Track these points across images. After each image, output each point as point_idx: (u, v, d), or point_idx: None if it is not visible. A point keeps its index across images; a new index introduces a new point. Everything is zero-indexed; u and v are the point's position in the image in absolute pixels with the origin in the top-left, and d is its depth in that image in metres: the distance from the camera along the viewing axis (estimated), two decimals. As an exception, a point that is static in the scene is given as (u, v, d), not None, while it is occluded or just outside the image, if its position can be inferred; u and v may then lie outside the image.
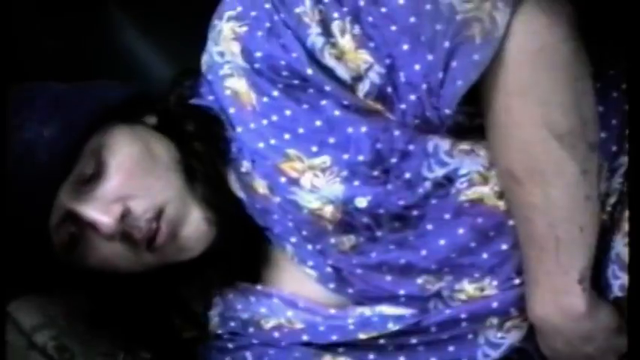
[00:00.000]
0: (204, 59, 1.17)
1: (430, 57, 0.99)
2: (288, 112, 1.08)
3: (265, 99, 1.09)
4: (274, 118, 1.09)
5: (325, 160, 1.07)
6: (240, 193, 1.15)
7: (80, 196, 1.08)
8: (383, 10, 1.01)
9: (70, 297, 1.20)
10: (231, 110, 1.12)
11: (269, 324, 1.18)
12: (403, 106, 1.03)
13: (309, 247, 1.13)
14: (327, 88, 1.05)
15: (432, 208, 1.08)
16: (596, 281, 1.06)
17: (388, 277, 1.12)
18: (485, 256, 1.09)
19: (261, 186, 1.11)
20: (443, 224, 1.08)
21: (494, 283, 1.09)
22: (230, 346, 1.21)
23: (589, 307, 1.02)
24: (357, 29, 1.02)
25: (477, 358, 1.12)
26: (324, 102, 1.07)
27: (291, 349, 1.17)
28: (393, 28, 1.00)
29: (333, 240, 1.11)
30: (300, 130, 1.08)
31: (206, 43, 1.16)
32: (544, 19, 0.98)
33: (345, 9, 1.02)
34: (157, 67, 1.55)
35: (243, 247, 1.18)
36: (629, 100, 1.04)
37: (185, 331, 1.24)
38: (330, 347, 1.15)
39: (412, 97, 1.01)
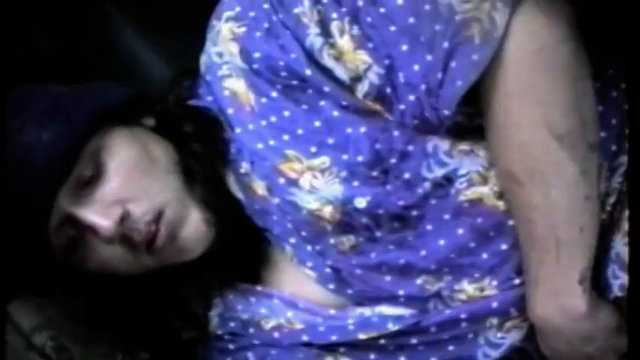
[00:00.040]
0: (203, 60, 1.16)
1: (429, 57, 0.99)
2: (286, 113, 1.08)
3: (264, 100, 1.08)
4: (273, 118, 1.08)
5: (324, 160, 1.07)
6: (239, 194, 1.15)
7: (79, 200, 1.08)
8: (382, 10, 1.01)
9: (69, 298, 1.20)
10: (230, 111, 1.12)
11: (269, 324, 1.18)
12: (402, 106, 1.03)
13: (309, 247, 1.13)
14: (326, 88, 1.05)
15: (432, 209, 1.08)
16: (596, 281, 1.06)
17: (388, 278, 1.12)
18: (485, 256, 1.09)
19: (260, 187, 1.11)
20: (442, 224, 1.08)
21: (494, 283, 1.09)
22: (231, 347, 1.21)
23: (589, 307, 1.02)
24: (355, 30, 1.02)
25: (477, 358, 1.12)
26: (322, 102, 1.07)
27: (293, 349, 1.17)
28: (392, 28, 1.00)
29: (332, 240, 1.11)
30: (299, 131, 1.08)
31: (204, 44, 1.16)
32: (543, 20, 0.97)
33: (343, 9, 1.02)
34: (155, 67, 1.56)
35: (242, 248, 1.18)
36: (628, 100, 1.04)
37: (184, 331, 1.24)
38: (331, 347, 1.15)
39: (411, 98, 1.01)
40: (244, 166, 1.12)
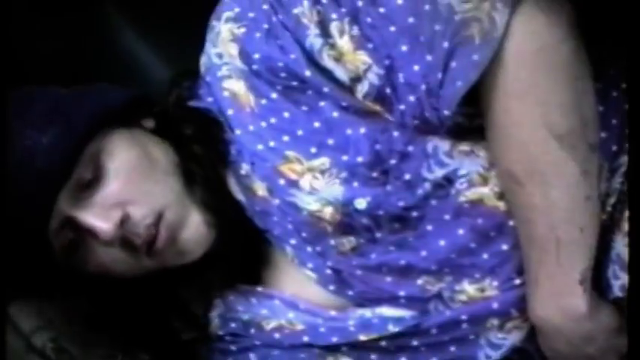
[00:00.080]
0: (203, 60, 1.16)
1: (429, 57, 0.99)
2: (286, 114, 1.08)
3: (264, 101, 1.09)
4: (273, 120, 1.09)
5: (324, 161, 1.07)
6: (240, 196, 1.15)
7: (79, 202, 1.08)
8: (381, 10, 1.01)
9: (68, 299, 1.19)
10: (230, 112, 1.12)
11: (270, 325, 1.18)
12: (402, 106, 1.03)
13: (309, 248, 1.13)
14: (326, 89, 1.05)
15: (432, 209, 1.08)
16: (597, 281, 1.06)
17: (388, 279, 1.12)
18: (485, 256, 1.09)
19: (260, 188, 1.11)
20: (443, 225, 1.08)
21: (495, 283, 1.09)
22: (233, 347, 1.21)
23: (590, 307, 1.02)
24: (355, 30, 1.02)
25: (478, 359, 1.12)
26: (322, 103, 1.07)
27: (295, 350, 1.17)
28: (392, 28, 1.00)
29: (332, 241, 1.11)
30: (299, 132, 1.08)
31: (203, 45, 1.16)
32: (543, 19, 0.98)
33: (343, 10, 1.03)
34: (155, 68, 1.56)
35: (243, 249, 1.18)
36: (628, 101, 1.04)
37: (184, 332, 1.24)
38: (333, 348, 1.15)
39: (411, 98, 1.01)
40: (245, 168, 1.12)
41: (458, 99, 0.99)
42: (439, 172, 1.06)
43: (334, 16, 1.03)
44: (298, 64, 1.05)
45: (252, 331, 1.19)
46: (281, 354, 1.18)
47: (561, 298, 1.02)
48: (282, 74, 1.06)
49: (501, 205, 1.07)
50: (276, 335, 1.18)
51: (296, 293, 1.18)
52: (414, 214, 1.08)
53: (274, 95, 1.08)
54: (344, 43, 1.03)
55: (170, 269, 1.15)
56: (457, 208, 1.07)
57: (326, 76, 1.05)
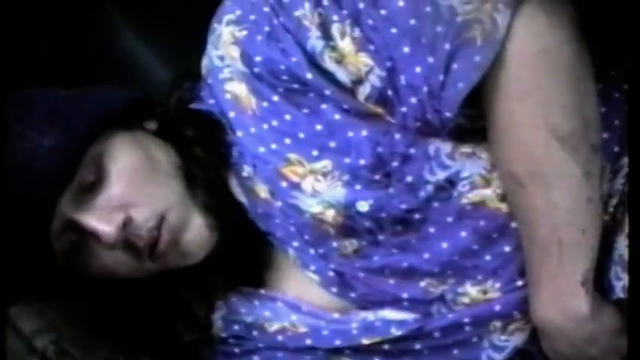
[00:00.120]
0: (204, 63, 1.17)
1: (431, 59, 0.99)
2: (288, 117, 1.08)
3: (265, 104, 1.09)
4: (274, 122, 1.09)
5: (326, 164, 1.07)
6: (242, 198, 1.15)
7: (81, 205, 1.08)
8: (383, 12, 1.01)
9: (70, 301, 1.20)
10: (232, 114, 1.12)
11: (272, 327, 1.18)
12: (404, 109, 1.03)
13: (312, 251, 1.14)
14: (327, 92, 1.06)
15: (434, 212, 1.08)
16: (599, 283, 1.06)
17: (391, 281, 1.12)
18: (488, 258, 1.09)
19: (262, 190, 1.12)
20: (445, 227, 1.08)
21: (497, 285, 1.10)
22: (236, 350, 1.22)
23: (592, 309, 1.02)
24: (357, 32, 1.02)
25: None
26: (324, 106, 1.07)
27: (299, 352, 1.18)
28: (394, 30, 1.01)
29: (335, 244, 1.12)
30: (301, 135, 1.08)
31: (204, 46, 1.17)
32: (545, 21, 0.98)
33: (344, 12, 1.03)
34: (154, 69, 1.56)
35: (245, 251, 1.18)
36: (629, 101, 1.04)
37: (186, 334, 1.24)
38: (336, 351, 1.16)
39: (413, 100, 1.02)
40: (246, 170, 1.12)
41: (460, 101, 0.99)
42: (441, 175, 1.07)
43: (335, 18, 1.03)
44: (300, 67, 1.05)
45: (255, 333, 1.19)
46: (285, 356, 1.19)
47: (563, 300, 1.03)
48: (284, 77, 1.07)
49: (503, 206, 1.07)
50: (279, 337, 1.18)
51: (298, 296, 1.18)
52: (417, 216, 1.08)
53: (276, 98, 1.08)
54: (345, 45, 1.03)
55: (172, 271, 1.15)
56: (459, 211, 1.08)
57: (327, 79, 1.05)
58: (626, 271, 1.04)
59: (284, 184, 1.09)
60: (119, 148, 1.11)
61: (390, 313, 1.14)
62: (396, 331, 1.12)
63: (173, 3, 1.55)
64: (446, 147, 1.07)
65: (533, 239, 1.03)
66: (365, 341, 1.13)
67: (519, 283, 1.09)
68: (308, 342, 1.16)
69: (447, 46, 0.98)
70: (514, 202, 1.05)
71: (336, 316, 1.16)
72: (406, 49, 1.00)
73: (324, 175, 1.08)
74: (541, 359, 1.12)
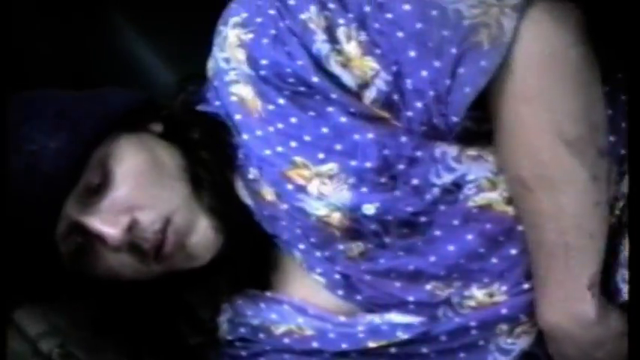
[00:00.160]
0: (210, 65, 1.17)
1: (437, 64, 1.00)
2: (294, 120, 1.09)
3: (271, 106, 1.10)
4: (280, 125, 1.09)
5: (332, 167, 1.08)
6: (248, 200, 1.16)
7: (87, 208, 1.09)
8: (389, 16, 1.02)
9: (75, 304, 1.20)
10: (237, 117, 1.13)
11: (279, 330, 1.19)
12: (410, 113, 1.04)
13: (318, 253, 1.14)
14: (333, 95, 1.06)
15: (441, 215, 1.08)
16: (606, 286, 1.06)
17: (397, 284, 1.13)
18: (494, 261, 1.09)
19: (268, 193, 1.12)
20: (451, 230, 1.09)
21: (504, 288, 1.10)
22: (243, 353, 1.22)
23: (598, 313, 1.03)
24: (363, 36, 1.03)
25: None
26: (330, 109, 1.08)
27: (306, 355, 1.18)
28: (400, 34, 1.01)
29: (341, 247, 1.12)
30: (307, 138, 1.09)
31: (207, 48, 1.17)
32: (552, 24, 0.99)
33: (350, 15, 1.03)
34: (158, 71, 1.56)
35: (251, 253, 1.18)
36: (629, 101, 1.04)
37: (191, 337, 1.24)
38: (342, 354, 1.16)
39: (419, 105, 1.02)
40: (252, 172, 1.13)
41: (466, 105, 1.00)
42: (447, 178, 1.07)
43: (341, 21, 1.04)
44: (306, 71, 1.06)
45: (262, 336, 1.20)
46: (292, 359, 1.19)
47: (570, 304, 1.03)
48: (290, 80, 1.07)
49: (510, 210, 1.07)
50: (286, 340, 1.18)
51: (305, 298, 1.19)
52: (423, 219, 1.09)
53: (282, 101, 1.09)
54: (351, 48, 1.04)
55: (178, 273, 1.15)
56: (466, 214, 1.08)
57: (333, 82, 1.06)
58: (634, 273, 1.05)
59: (290, 186, 1.10)
60: (125, 151, 1.12)
61: (396, 317, 1.14)
62: (402, 335, 1.13)
63: (176, 5, 1.55)
64: (452, 150, 1.07)
65: (540, 243, 1.04)
66: (371, 345, 1.14)
67: (526, 286, 1.09)
68: (314, 345, 1.17)
69: (454, 50, 0.98)
70: (521, 206, 1.05)
71: (342, 319, 1.16)
72: (412, 53, 1.01)
73: (330, 177, 1.08)
74: (547, 361, 1.13)
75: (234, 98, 1.13)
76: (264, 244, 1.19)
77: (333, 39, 1.05)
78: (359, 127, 1.07)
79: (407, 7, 1.01)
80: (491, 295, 1.11)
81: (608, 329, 1.04)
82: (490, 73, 0.98)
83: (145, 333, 1.22)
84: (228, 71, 1.13)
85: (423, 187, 1.08)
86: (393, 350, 1.14)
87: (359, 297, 1.15)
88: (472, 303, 1.11)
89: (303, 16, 1.06)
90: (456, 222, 1.09)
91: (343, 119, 1.08)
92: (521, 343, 1.12)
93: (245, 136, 1.12)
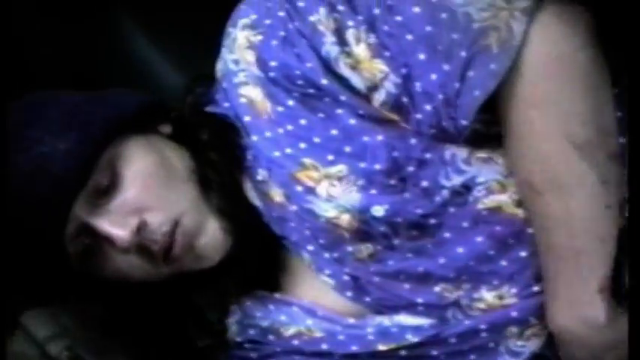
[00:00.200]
0: (219, 66, 1.18)
1: (446, 67, 1.01)
2: (303, 122, 1.10)
3: (281, 108, 1.10)
4: (290, 127, 1.10)
5: (341, 169, 1.09)
6: (257, 202, 1.17)
7: (95, 209, 1.10)
8: (398, 18, 1.03)
9: (83, 307, 1.21)
10: (247, 118, 1.13)
11: (288, 332, 1.20)
12: (419, 115, 1.05)
13: (327, 255, 1.15)
14: (343, 97, 1.07)
15: (450, 217, 1.09)
16: (616, 287, 1.06)
17: (406, 286, 1.13)
18: (504, 263, 1.10)
19: (277, 194, 1.13)
20: (461, 232, 1.10)
21: (513, 290, 1.11)
22: (253, 355, 1.23)
23: (609, 316, 1.03)
24: (372, 38, 1.04)
25: None
26: (339, 111, 1.08)
27: (316, 357, 1.19)
28: (409, 37, 1.02)
29: (350, 248, 1.13)
30: (316, 139, 1.09)
31: (215, 49, 1.18)
32: (561, 28, 1.00)
33: (360, 17, 1.04)
34: (166, 73, 1.57)
35: (259, 255, 1.19)
36: (629, 101, 1.04)
37: (199, 339, 1.25)
38: (352, 356, 1.17)
39: (428, 108, 1.03)
40: (261, 174, 1.14)
41: (475, 109, 1.01)
42: (457, 180, 1.08)
43: (351, 23, 1.05)
44: (315, 73, 1.07)
45: (271, 337, 1.20)
46: None
47: (580, 308, 1.03)
48: (299, 82, 1.08)
49: (520, 212, 1.08)
50: (295, 342, 1.19)
51: (313, 300, 1.19)
52: (432, 221, 1.09)
53: (291, 102, 1.10)
54: (360, 51, 1.05)
55: (186, 275, 1.16)
56: (475, 216, 1.09)
57: (342, 85, 1.07)
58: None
59: (299, 188, 1.11)
60: (134, 152, 1.13)
61: (405, 319, 1.15)
62: (412, 338, 1.14)
63: (184, 7, 1.56)
64: (462, 152, 1.08)
65: (550, 246, 1.04)
66: (381, 347, 1.15)
67: (535, 288, 1.10)
68: (324, 347, 1.17)
69: (463, 54, 0.99)
70: (531, 209, 1.06)
71: (351, 321, 1.17)
72: (422, 56, 1.02)
73: (339, 179, 1.09)
74: (556, 364, 1.13)
75: (243, 100, 1.14)
76: (273, 245, 1.19)
77: (342, 41, 1.06)
78: (368, 129, 1.08)
79: (416, 9, 1.02)
80: (500, 298, 1.11)
81: (619, 333, 1.04)
82: (499, 76, 0.99)
83: (153, 335, 1.23)
84: (238, 73, 1.14)
85: (432, 189, 1.08)
86: (403, 353, 1.15)
87: (368, 298, 1.16)
88: (482, 305, 1.12)
89: (312, 18, 1.07)
90: (465, 224, 1.09)
91: (352, 121, 1.08)
92: (532, 345, 1.12)
93: (254, 138, 1.13)
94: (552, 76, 1.00)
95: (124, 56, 1.58)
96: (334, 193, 1.10)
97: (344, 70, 1.06)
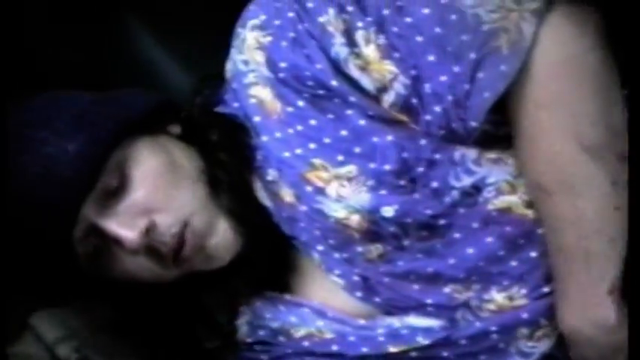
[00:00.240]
0: (229, 67, 1.19)
1: (456, 68, 1.02)
2: (313, 122, 1.11)
3: (290, 109, 1.11)
4: (299, 127, 1.11)
5: (351, 169, 1.10)
6: (267, 202, 1.18)
7: (104, 210, 1.11)
8: (408, 20, 1.04)
9: (92, 308, 1.22)
10: (257, 119, 1.14)
11: (299, 333, 1.20)
12: (428, 117, 1.06)
13: (336, 255, 1.16)
14: (352, 98, 1.08)
15: (460, 217, 1.10)
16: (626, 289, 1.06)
17: (416, 286, 1.14)
18: (514, 264, 1.11)
19: (287, 194, 1.14)
20: (471, 233, 1.10)
21: (523, 291, 1.11)
22: (264, 357, 1.24)
23: (619, 317, 1.03)
24: (382, 39, 1.05)
25: None
26: (349, 112, 1.10)
27: (326, 357, 1.19)
28: (419, 38, 1.03)
29: (360, 249, 1.14)
30: (326, 140, 1.10)
31: (222, 50, 1.19)
32: (571, 29, 1.01)
33: (369, 19, 1.05)
34: (174, 74, 1.57)
35: (269, 255, 1.20)
36: (629, 101, 1.05)
37: (209, 341, 1.25)
38: (363, 358, 1.17)
39: (437, 109, 1.04)
40: (271, 174, 1.15)
41: (485, 110, 1.02)
42: (467, 180, 1.09)
43: (360, 24, 1.06)
44: (324, 74, 1.08)
45: (282, 339, 1.21)
46: None
47: (590, 309, 1.04)
48: (309, 83, 1.09)
49: (530, 213, 1.09)
50: (306, 343, 1.20)
51: (323, 300, 1.20)
52: (442, 222, 1.10)
53: (301, 103, 1.11)
54: (370, 52, 1.06)
55: (195, 275, 1.17)
56: (485, 216, 1.10)
57: (352, 86, 1.08)
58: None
59: (309, 188, 1.12)
60: (142, 153, 1.14)
61: (415, 320, 1.15)
62: (422, 340, 1.14)
63: (193, 7, 1.57)
64: (472, 153, 1.09)
65: (560, 247, 1.05)
66: (392, 350, 1.15)
67: (545, 289, 1.11)
68: (334, 348, 1.18)
69: (473, 55, 1.00)
70: (541, 210, 1.07)
71: (361, 322, 1.18)
72: (431, 58, 1.03)
73: (349, 180, 1.10)
74: (567, 364, 1.13)
75: (253, 100, 1.15)
76: (283, 245, 1.20)
77: (351, 42, 1.07)
78: (378, 130, 1.09)
79: (426, 11, 1.03)
80: (510, 299, 1.12)
81: None
82: (509, 78, 1.00)
83: (162, 336, 1.24)
84: (247, 73, 1.15)
85: (442, 189, 1.09)
86: (413, 354, 1.15)
87: (377, 299, 1.17)
88: (492, 306, 1.13)
89: (321, 19, 1.08)
90: (475, 225, 1.10)
91: (362, 122, 1.09)
92: (542, 346, 1.13)
93: (264, 138, 1.14)
94: (562, 77, 1.01)
95: (132, 57, 1.59)
96: (344, 194, 1.11)
97: (353, 71, 1.07)
